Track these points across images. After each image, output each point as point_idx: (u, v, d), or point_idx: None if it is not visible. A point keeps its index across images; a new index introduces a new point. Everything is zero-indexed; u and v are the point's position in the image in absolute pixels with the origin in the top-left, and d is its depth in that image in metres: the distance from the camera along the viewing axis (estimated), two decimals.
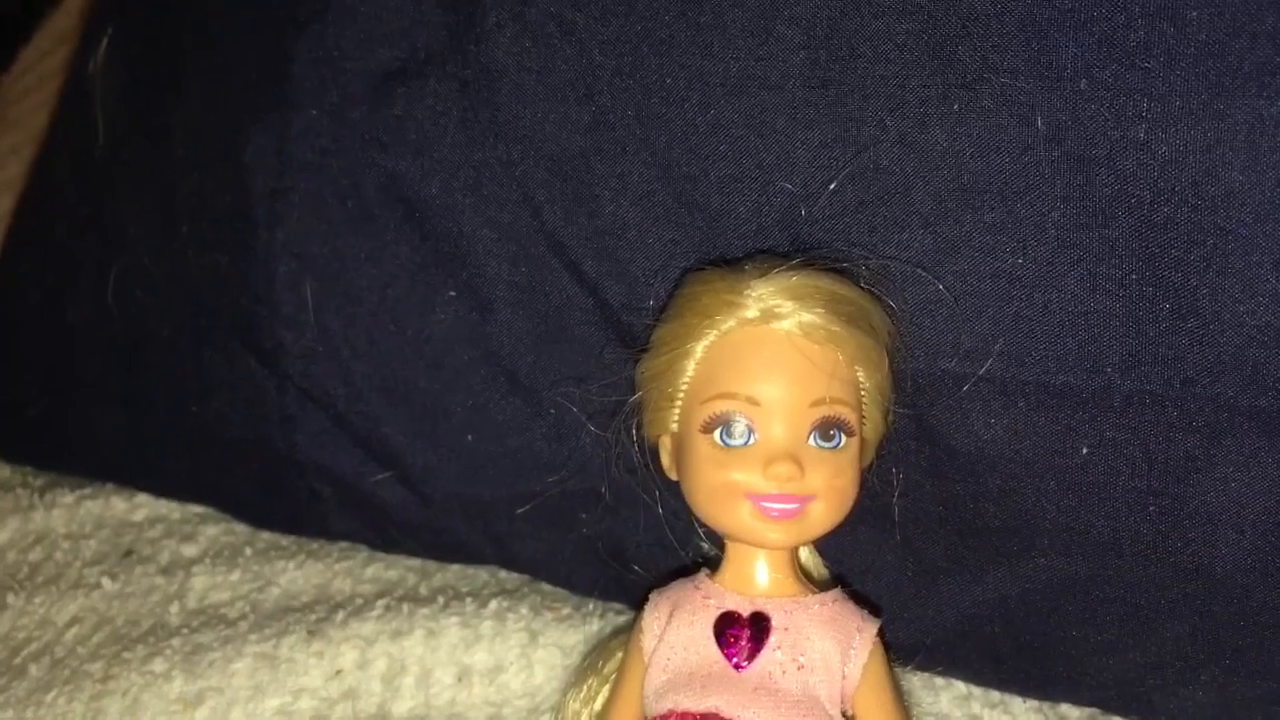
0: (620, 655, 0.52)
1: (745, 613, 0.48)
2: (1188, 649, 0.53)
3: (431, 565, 0.69)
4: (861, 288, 0.49)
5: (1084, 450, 0.50)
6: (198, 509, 0.75)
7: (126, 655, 0.62)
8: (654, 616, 0.49)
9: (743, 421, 0.46)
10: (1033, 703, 0.59)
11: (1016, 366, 0.50)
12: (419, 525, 0.66)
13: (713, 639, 0.48)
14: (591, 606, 0.64)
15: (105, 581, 0.68)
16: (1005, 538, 0.53)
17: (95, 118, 0.72)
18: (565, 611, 0.63)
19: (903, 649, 0.55)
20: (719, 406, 0.47)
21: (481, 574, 0.68)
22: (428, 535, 0.67)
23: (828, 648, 0.47)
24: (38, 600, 0.68)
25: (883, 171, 0.50)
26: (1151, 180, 0.46)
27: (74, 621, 0.66)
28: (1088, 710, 0.58)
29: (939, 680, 0.60)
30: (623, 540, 0.60)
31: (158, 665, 0.61)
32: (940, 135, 0.48)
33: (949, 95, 0.48)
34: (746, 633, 0.47)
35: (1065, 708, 0.58)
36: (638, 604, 0.51)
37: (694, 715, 0.47)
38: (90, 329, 0.74)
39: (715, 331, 0.48)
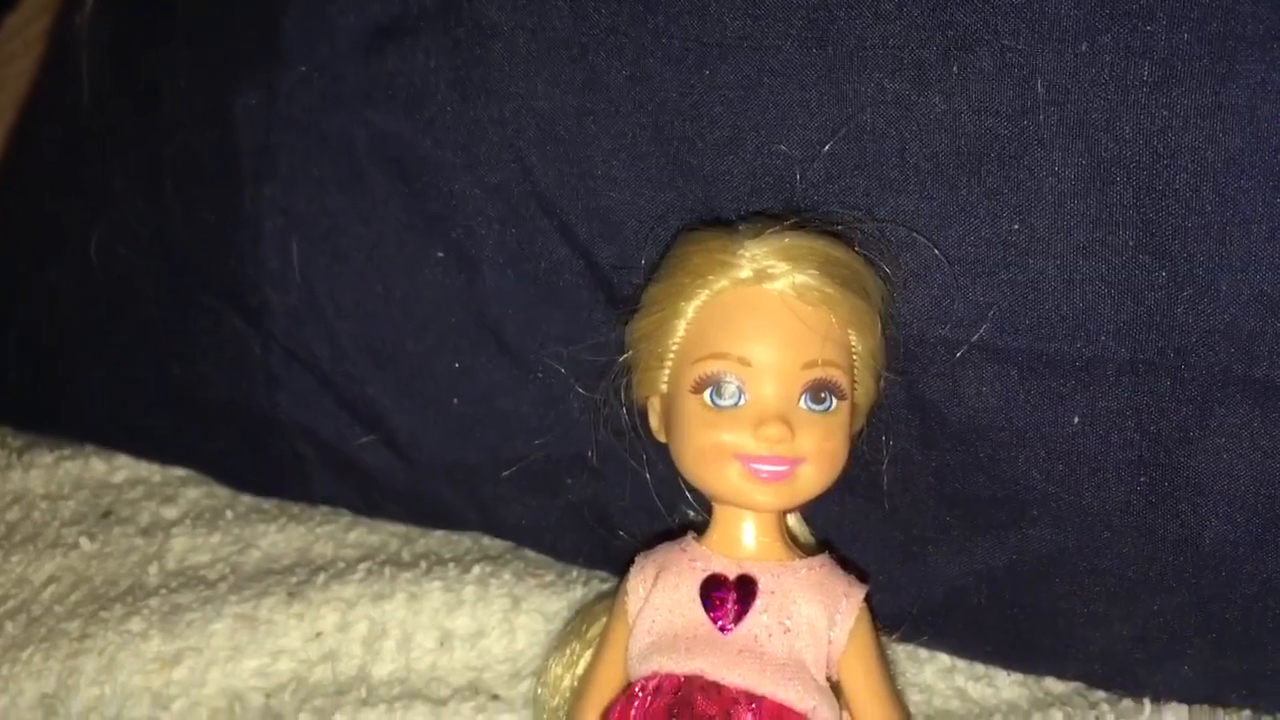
0: (604, 620, 0.52)
1: (732, 575, 0.47)
2: (1175, 622, 0.53)
3: (415, 531, 0.68)
4: (855, 251, 0.49)
5: (1075, 420, 0.50)
6: (178, 471, 0.74)
7: (104, 614, 0.61)
8: (639, 579, 0.49)
9: (734, 382, 0.46)
10: (1017, 676, 0.59)
11: (1010, 334, 0.50)
12: (403, 489, 0.66)
13: (698, 601, 0.47)
14: (575, 574, 0.64)
15: (83, 541, 0.68)
16: (994, 508, 0.53)
17: (80, 76, 0.71)
18: (549, 578, 0.63)
19: (888, 619, 0.55)
20: (710, 366, 0.46)
21: (465, 540, 0.67)
22: (411, 500, 0.66)
23: (814, 612, 0.47)
24: (14, 559, 0.67)
25: (879, 134, 0.49)
26: (1151, 145, 0.46)
27: (51, 580, 0.65)
28: (1073, 684, 0.58)
29: (923, 652, 0.60)
30: (608, 505, 0.60)
31: (135, 625, 0.60)
32: (938, 98, 0.48)
33: (948, 57, 0.47)
34: (733, 596, 0.47)
35: (1050, 681, 0.58)
36: (623, 569, 0.51)
37: (678, 678, 0.46)
38: (72, 288, 0.73)
39: (707, 291, 0.47)
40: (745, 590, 0.47)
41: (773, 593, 0.47)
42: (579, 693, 0.51)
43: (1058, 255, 0.48)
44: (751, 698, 0.45)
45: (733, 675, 0.45)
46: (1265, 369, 0.47)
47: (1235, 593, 0.51)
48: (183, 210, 0.66)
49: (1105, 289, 0.48)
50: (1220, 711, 0.55)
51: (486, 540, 0.67)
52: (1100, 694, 0.57)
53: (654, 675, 0.47)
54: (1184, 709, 0.55)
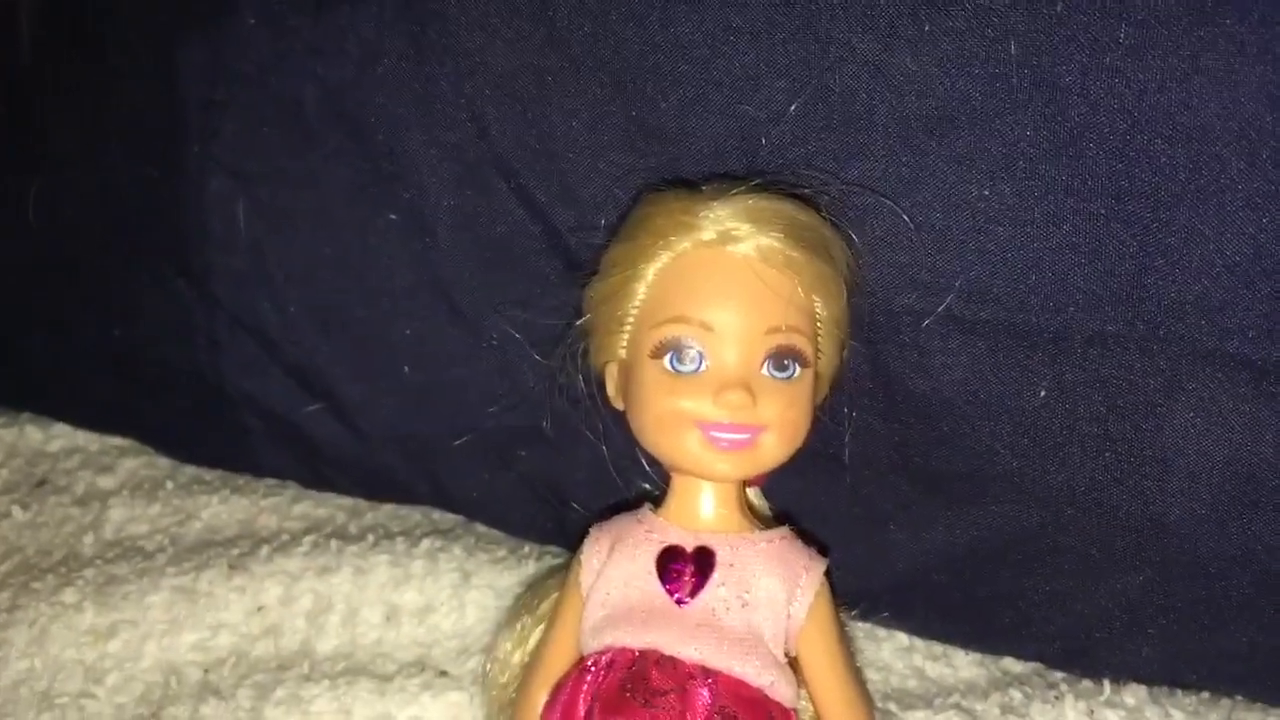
0: (556, 595, 0.50)
1: (689, 547, 0.46)
2: (1136, 601, 0.52)
3: (363, 504, 0.67)
4: (821, 215, 0.47)
5: (1042, 393, 0.49)
6: (117, 441, 0.72)
7: (35, 585, 0.60)
8: (594, 550, 0.47)
9: (695, 347, 0.44)
10: (975, 655, 0.58)
11: (977, 304, 0.48)
12: (351, 461, 0.64)
13: (654, 574, 0.46)
14: (527, 549, 0.62)
15: (15, 510, 0.66)
16: (957, 483, 0.52)
17: (19, 25, 0.69)
18: (500, 553, 0.62)
19: (848, 596, 0.53)
20: (670, 331, 0.45)
21: (415, 514, 0.66)
22: (360, 472, 0.64)
23: (773, 586, 0.45)
24: None
25: (847, 96, 0.48)
26: (1125, 110, 0.44)
27: None
28: (1031, 664, 0.57)
29: (881, 631, 0.59)
30: (562, 478, 0.58)
31: (68, 596, 0.59)
32: (908, 58, 0.46)
33: (918, 15, 0.46)
34: (690, 568, 0.45)
35: (1008, 661, 0.58)
36: (576, 542, 0.49)
37: (632, 652, 0.45)
38: (7, 247, 0.70)
39: (669, 253, 0.46)
40: (703, 562, 0.45)
41: (731, 565, 0.45)
42: (529, 668, 0.49)
43: (1027, 223, 0.47)
44: (708, 672, 0.44)
45: (689, 649, 0.44)
46: (1236, 343, 0.46)
47: (1198, 571, 0.50)
48: (125, 167, 0.64)
49: (1075, 258, 0.47)
50: (1179, 692, 0.54)
51: (437, 514, 0.66)
52: (1059, 674, 0.56)
53: (607, 649, 0.45)
54: (1143, 689, 0.54)
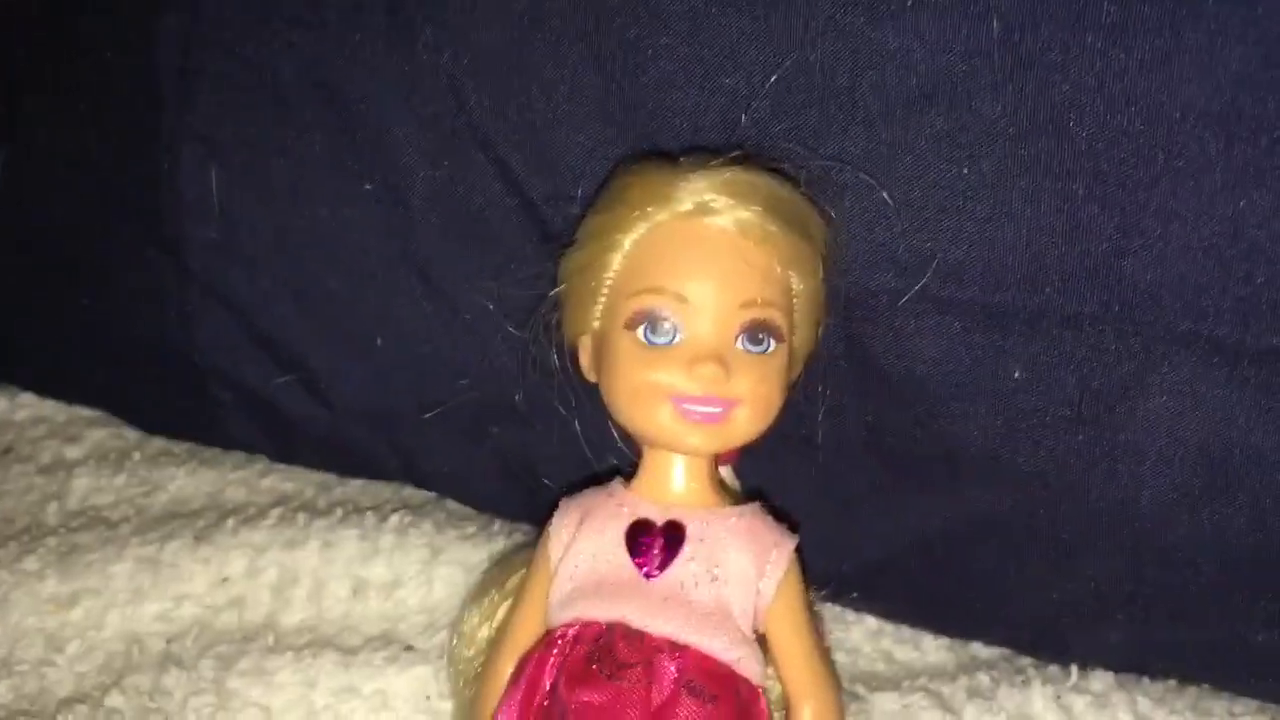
0: (524, 570, 0.50)
1: (659, 521, 0.46)
2: (1106, 588, 0.52)
3: (332, 479, 0.67)
4: (800, 191, 0.47)
5: (1016, 374, 0.49)
6: (84, 411, 0.72)
7: None
8: (563, 523, 0.47)
9: (669, 318, 0.44)
10: (944, 640, 0.58)
11: (953, 283, 0.48)
12: (322, 435, 0.63)
13: (624, 546, 0.45)
14: (497, 526, 0.62)
15: None
16: (930, 466, 0.52)
17: None
18: (470, 530, 0.61)
19: (817, 577, 0.53)
20: (645, 301, 0.44)
21: (384, 490, 0.65)
22: (330, 445, 0.64)
23: (743, 561, 0.45)
24: None
25: (827, 71, 0.48)
26: (1106, 89, 0.44)
27: None
28: (999, 649, 0.57)
29: (850, 614, 0.59)
30: (534, 453, 0.58)
31: (30, 564, 0.58)
32: (890, 33, 0.46)
33: None
34: (660, 541, 0.45)
35: (976, 646, 0.58)
36: (545, 518, 0.49)
37: (600, 625, 0.44)
38: None
39: (646, 224, 0.45)
40: (673, 537, 0.45)
41: (701, 540, 0.45)
42: (496, 641, 0.49)
43: (1006, 203, 0.47)
44: (675, 647, 0.43)
45: (657, 623, 0.44)
46: (1211, 324, 0.46)
47: (1169, 557, 0.50)
48: (97, 135, 0.64)
49: (1053, 238, 0.47)
50: (1146, 679, 0.54)
51: (407, 490, 0.66)
52: (1027, 659, 0.56)
53: (575, 621, 0.45)
54: (1110, 676, 0.54)
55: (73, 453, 0.68)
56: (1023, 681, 0.54)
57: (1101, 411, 0.48)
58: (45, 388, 0.72)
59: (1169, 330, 0.46)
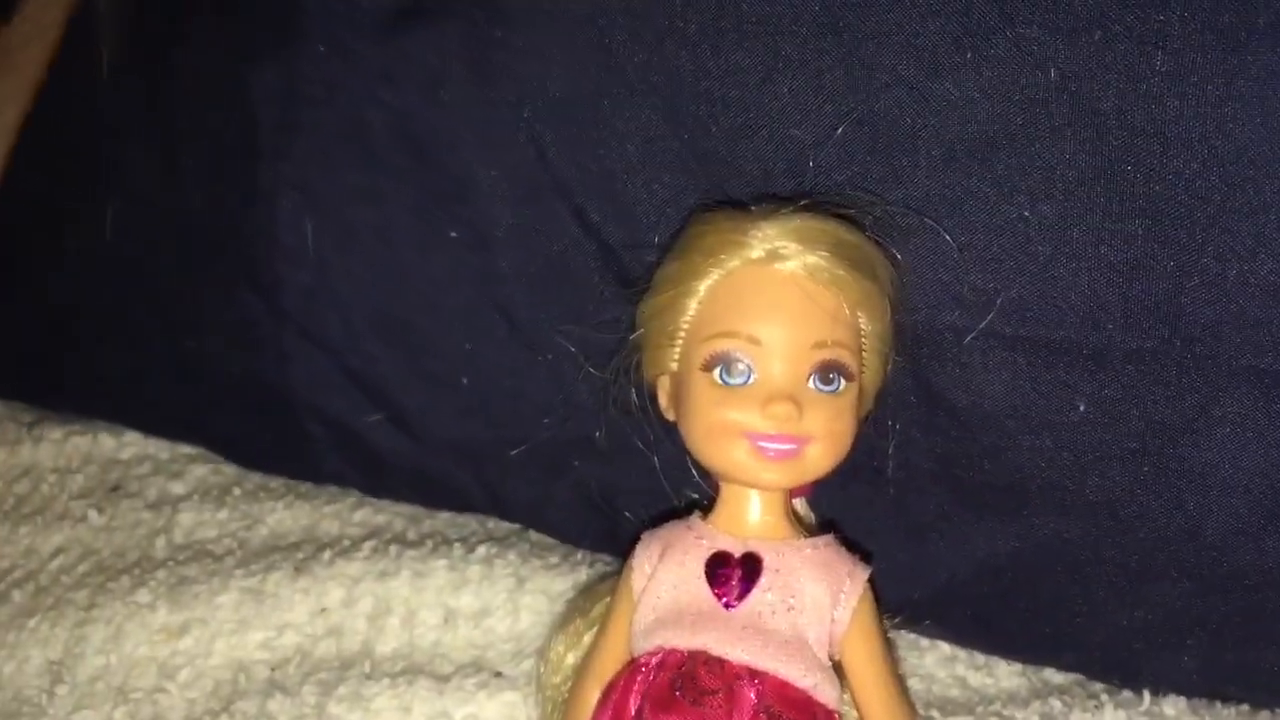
0: (608, 599, 0.52)
1: (737, 553, 0.48)
2: (1175, 613, 0.53)
3: (420, 512, 0.69)
4: (866, 235, 0.49)
5: (1081, 408, 0.50)
6: (186, 449, 0.75)
7: (111, 585, 0.62)
8: (645, 555, 0.49)
9: (743, 360, 0.46)
10: (1016, 666, 0.59)
11: (1017, 321, 0.50)
12: (410, 468, 0.66)
13: (704, 578, 0.47)
14: (580, 556, 0.64)
15: (91, 514, 0.68)
16: (998, 496, 0.53)
17: (98, 53, 0.72)
18: (554, 560, 0.63)
19: (890, 606, 0.54)
20: (720, 345, 0.47)
21: (471, 522, 0.68)
22: (418, 479, 0.66)
23: (818, 591, 0.47)
24: (23, 530, 0.68)
25: (892, 121, 0.50)
26: (1161, 134, 0.46)
27: (59, 552, 0.66)
28: (1072, 675, 0.58)
29: (924, 641, 0.60)
30: (615, 487, 0.60)
31: (142, 596, 0.61)
32: (951, 84, 0.48)
33: (962, 43, 0.48)
34: (738, 573, 0.47)
35: (1049, 671, 0.58)
36: (627, 549, 0.51)
37: (682, 653, 0.47)
38: (86, 264, 0.73)
39: (719, 270, 0.47)
40: (750, 568, 0.47)
41: (777, 570, 0.47)
42: (582, 668, 0.51)
43: (1067, 243, 0.48)
44: (754, 673, 0.45)
45: (736, 651, 0.46)
46: (1271, 359, 0.47)
47: (1236, 584, 0.51)
48: (198, 186, 0.67)
49: (1113, 277, 0.48)
50: (1219, 704, 0.55)
51: (492, 523, 0.68)
52: (1099, 685, 0.57)
53: (658, 650, 0.47)
54: (1183, 701, 0.55)
55: (177, 489, 0.71)
56: (1095, 706, 0.55)
57: (1166, 443, 0.50)
58: (150, 427, 0.75)
59: (1229, 365, 0.48)
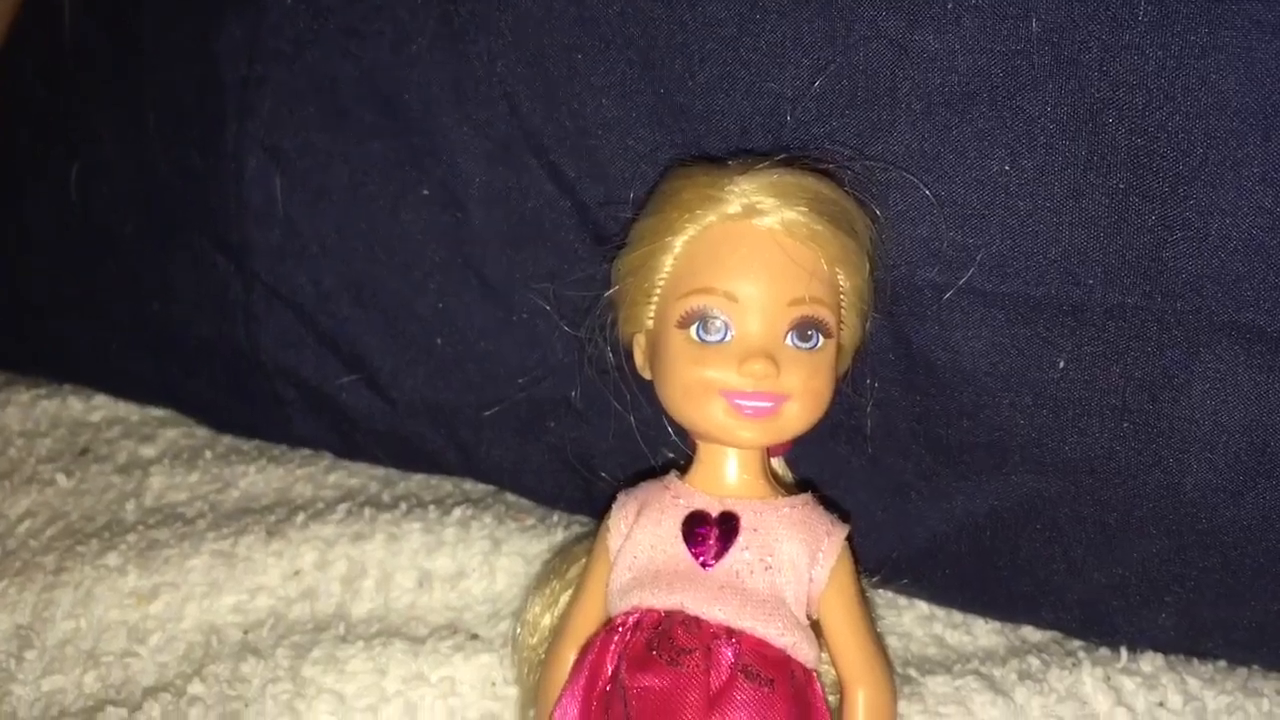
0: (584, 560, 0.52)
1: (714, 512, 0.47)
2: (1153, 570, 0.53)
3: (395, 474, 0.68)
4: (845, 190, 0.48)
5: (1061, 364, 0.50)
6: (157, 412, 0.74)
7: (80, 549, 0.61)
8: (621, 515, 0.49)
9: (720, 317, 0.46)
10: (994, 624, 0.59)
11: (997, 277, 0.49)
12: (384, 431, 0.65)
13: (680, 537, 0.47)
14: (556, 518, 0.64)
15: (60, 478, 0.67)
16: (977, 454, 0.53)
17: (61, 11, 0.70)
18: (530, 521, 0.63)
19: (868, 564, 0.55)
20: (696, 301, 0.46)
21: (446, 484, 0.67)
22: (393, 441, 0.66)
23: (796, 550, 0.46)
24: None
25: (871, 73, 0.49)
26: (1144, 86, 0.45)
27: (27, 515, 0.65)
28: (1049, 632, 0.58)
29: (902, 599, 0.60)
30: (591, 447, 0.59)
31: (112, 559, 0.60)
32: (931, 36, 0.47)
33: None
34: (715, 531, 0.47)
35: (1027, 629, 0.59)
36: (603, 510, 0.50)
37: (658, 612, 0.46)
38: (50, 225, 0.72)
39: (695, 226, 0.47)
40: (727, 526, 0.47)
41: (755, 529, 0.47)
42: (559, 629, 0.51)
43: (1048, 197, 0.48)
44: (731, 632, 0.45)
45: (713, 610, 0.45)
46: (1252, 314, 0.47)
47: (1214, 540, 0.51)
48: (164, 146, 0.66)
49: (1095, 232, 0.48)
50: (1196, 660, 0.55)
51: (468, 484, 0.67)
52: (1077, 642, 0.57)
53: (634, 610, 0.47)
54: (1160, 657, 0.55)
55: (148, 451, 0.70)
56: (1073, 664, 0.55)
57: (1146, 400, 0.49)
58: (119, 390, 0.74)
59: (1210, 319, 0.47)
